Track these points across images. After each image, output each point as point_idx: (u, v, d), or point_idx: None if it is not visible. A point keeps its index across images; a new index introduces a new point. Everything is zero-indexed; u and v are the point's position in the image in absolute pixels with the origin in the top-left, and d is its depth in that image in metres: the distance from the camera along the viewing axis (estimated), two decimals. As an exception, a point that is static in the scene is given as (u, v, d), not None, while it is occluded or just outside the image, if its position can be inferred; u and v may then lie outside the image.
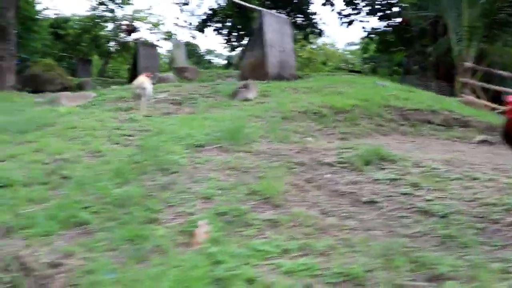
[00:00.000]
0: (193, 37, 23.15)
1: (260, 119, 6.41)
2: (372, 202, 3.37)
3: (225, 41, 22.33)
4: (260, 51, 11.26)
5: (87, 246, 2.71)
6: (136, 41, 21.34)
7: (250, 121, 6.12)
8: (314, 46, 28.28)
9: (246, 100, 7.99)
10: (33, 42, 18.67)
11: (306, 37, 24.20)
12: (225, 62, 25.74)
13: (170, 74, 12.37)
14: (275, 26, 11.49)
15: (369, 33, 21.38)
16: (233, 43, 21.81)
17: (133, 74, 16.61)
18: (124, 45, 23.10)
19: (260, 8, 12.92)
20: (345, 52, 30.18)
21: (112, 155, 4.53)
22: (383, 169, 4.04)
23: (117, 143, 5.15)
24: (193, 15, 21.73)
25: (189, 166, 4.07)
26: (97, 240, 2.77)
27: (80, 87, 17.46)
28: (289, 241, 2.72)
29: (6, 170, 4.13)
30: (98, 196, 3.38)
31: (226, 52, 28.95)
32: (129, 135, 5.47)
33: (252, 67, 11.33)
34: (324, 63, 27.01)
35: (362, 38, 23.69)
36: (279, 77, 10.89)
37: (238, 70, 14.03)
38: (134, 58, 16.76)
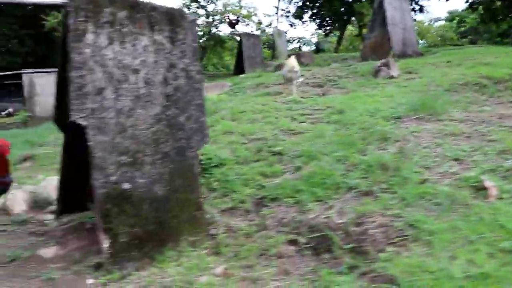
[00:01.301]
0: (291, 25, 23.35)
1: (423, 93, 6.39)
2: None
3: (318, 26, 22.30)
4: (381, 30, 11.13)
5: (378, 205, 2.92)
6: (233, 33, 21.88)
7: (412, 96, 6.13)
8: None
9: (391, 77, 7.97)
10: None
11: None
12: (314, 48, 25.71)
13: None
14: (395, 3, 11.28)
15: (472, 4, 20.23)
16: (327, 28, 21.72)
17: (239, 65, 17.15)
18: (218, 39, 23.82)
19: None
20: (438, 27, 28.84)
21: (316, 131, 4.77)
22: None
23: (303, 122, 5.41)
24: (290, 2, 21.88)
25: (407, 135, 4.19)
26: (383, 200, 2.98)
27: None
28: None
29: (211, 151, 4.51)
30: (346, 164, 3.61)
31: (314, 39, 28.85)
32: (309, 114, 5.71)
33: (372, 47, 11.24)
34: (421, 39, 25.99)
35: (465, 9, 22.46)
36: (403, 55, 10.71)
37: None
38: (239, 49, 17.23)
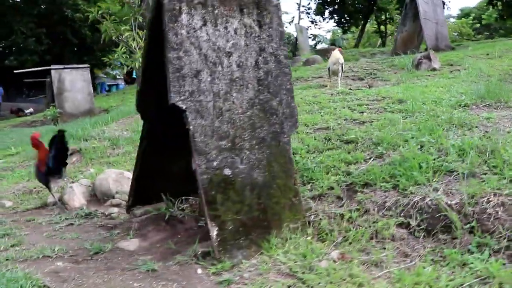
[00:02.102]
0: (313, 22, 23.16)
1: (474, 83, 6.28)
2: None
3: (337, 23, 22.19)
4: (413, 24, 11.03)
5: (488, 186, 2.81)
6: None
7: (470, 85, 6.02)
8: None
9: (433, 70, 7.86)
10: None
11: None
12: (329, 45, 25.60)
13: (317, 56, 12.53)
14: (427, -3, 11.16)
15: (491, 0, 20.08)
16: (345, 25, 21.61)
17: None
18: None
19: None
20: (454, 23, 28.68)
21: (384, 119, 4.66)
22: None
23: (362, 112, 5.31)
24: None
25: (482, 121, 4.09)
26: (492, 181, 2.86)
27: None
28: None
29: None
30: (434, 149, 3.50)
31: (328, 36, 28.72)
32: (366, 104, 5.61)
33: (404, 41, 11.13)
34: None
35: (485, 5, 22.31)
36: (436, 49, 10.58)
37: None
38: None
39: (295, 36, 18.80)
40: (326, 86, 7.65)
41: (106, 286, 2.54)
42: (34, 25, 22.39)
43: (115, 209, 4.29)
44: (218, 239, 2.67)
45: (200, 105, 2.88)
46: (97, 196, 4.76)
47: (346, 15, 20.75)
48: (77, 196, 4.68)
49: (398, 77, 7.70)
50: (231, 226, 2.73)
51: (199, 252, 2.75)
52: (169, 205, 3.74)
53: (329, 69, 7.62)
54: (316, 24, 22.42)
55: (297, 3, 22.30)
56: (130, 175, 4.89)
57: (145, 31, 3.35)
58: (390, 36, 23.33)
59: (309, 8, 22.68)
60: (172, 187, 3.86)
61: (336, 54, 7.49)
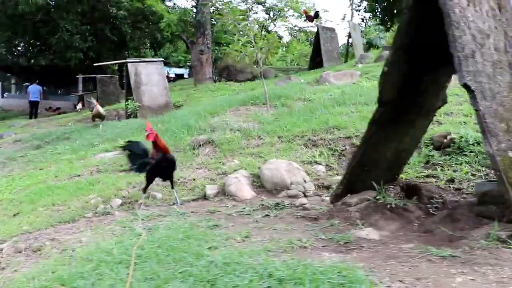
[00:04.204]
0: (363, 19, 22.98)
1: None
2: None
3: (381, 22, 21.95)
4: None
5: None
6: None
7: None
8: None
9: None
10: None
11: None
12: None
13: (386, 52, 12.39)
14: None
15: None
16: (387, 23, 21.37)
17: (316, 58, 16.92)
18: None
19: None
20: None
21: None
22: None
23: None
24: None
25: None
26: None
27: (264, 76, 18.21)
28: None
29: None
30: None
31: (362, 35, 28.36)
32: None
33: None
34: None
35: None
36: None
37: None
38: (316, 43, 17.03)
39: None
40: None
41: (414, 272, 2.42)
42: (79, 23, 22.49)
43: (304, 200, 4.18)
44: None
45: (481, 86, 2.77)
46: (264, 187, 4.66)
47: (392, 12, 20.53)
48: (245, 187, 4.59)
49: None
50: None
51: (503, 236, 2.60)
52: (382, 194, 3.62)
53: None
54: (367, 22, 22.20)
55: (350, 0, 22.02)
56: (298, 165, 4.80)
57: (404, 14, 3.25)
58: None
59: (359, 5, 22.56)
60: (377, 175, 3.75)
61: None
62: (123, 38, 24.70)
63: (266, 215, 3.89)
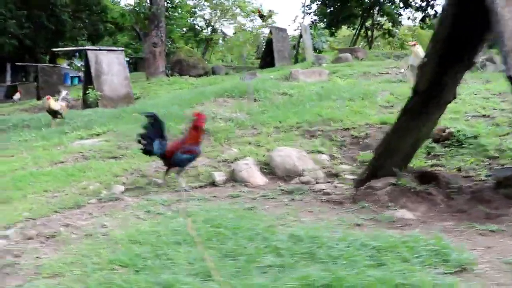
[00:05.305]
0: (313, 22, 23.41)
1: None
2: None
3: (327, 25, 22.75)
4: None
5: None
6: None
7: None
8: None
9: (500, 72, 8.42)
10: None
11: (423, 20, 24.54)
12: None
13: (348, 54, 12.88)
14: None
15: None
16: (332, 28, 22.25)
17: (267, 57, 17.20)
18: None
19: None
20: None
21: None
22: None
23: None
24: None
25: None
26: None
27: (213, 72, 18.18)
28: None
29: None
30: None
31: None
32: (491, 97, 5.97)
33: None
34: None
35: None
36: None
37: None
38: (269, 43, 17.31)
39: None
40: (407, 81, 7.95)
41: (476, 242, 2.61)
42: (14, 7, 20.95)
43: (323, 185, 4.28)
44: None
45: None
46: (275, 174, 4.70)
47: (341, 17, 21.42)
48: (257, 173, 4.61)
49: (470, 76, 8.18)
50: None
51: None
52: (403, 180, 3.80)
53: (411, 65, 7.90)
54: (316, 25, 22.78)
55: (302, 2, 22.53)
56: (305, 153, 4.91)
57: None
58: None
59: (309, 8, 23.15)
60: (395, 162, 3.94)
61: (418, 51, 7.77)
62: (62, 27, 23.36)
63: (292, 199, 3.95)
